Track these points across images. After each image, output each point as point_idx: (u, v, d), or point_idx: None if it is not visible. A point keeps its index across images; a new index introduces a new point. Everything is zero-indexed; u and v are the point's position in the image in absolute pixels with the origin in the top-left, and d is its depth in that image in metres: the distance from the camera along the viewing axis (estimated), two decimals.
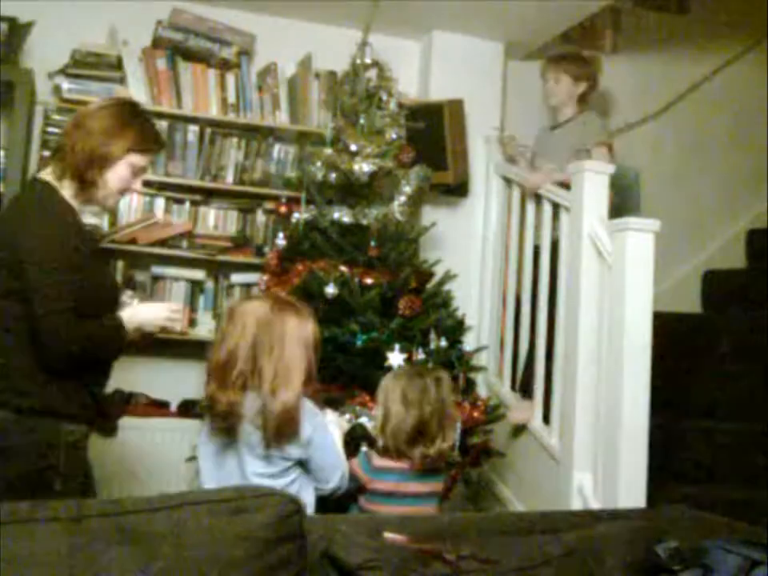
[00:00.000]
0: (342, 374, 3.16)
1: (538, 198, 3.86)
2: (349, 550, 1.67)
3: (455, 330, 3.45)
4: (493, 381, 4.03)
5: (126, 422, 3.84)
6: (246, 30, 4.16)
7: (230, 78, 4.11)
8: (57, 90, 3.89)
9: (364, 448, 2.77)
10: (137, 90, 3.94)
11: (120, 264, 3.94)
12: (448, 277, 3.58)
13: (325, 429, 2.48)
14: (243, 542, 1.56)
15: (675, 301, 4.60)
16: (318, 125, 4.13)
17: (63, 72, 3.88)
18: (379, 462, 2.67)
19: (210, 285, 4.11)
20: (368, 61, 3.60)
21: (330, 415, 2.69)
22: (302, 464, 2.42)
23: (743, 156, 5.10)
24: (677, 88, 5.04)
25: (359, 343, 3.17)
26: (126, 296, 2.74)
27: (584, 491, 3.19)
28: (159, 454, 3.77)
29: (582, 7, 4.07)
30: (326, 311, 3.18)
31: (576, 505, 3.20)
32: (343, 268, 3.29)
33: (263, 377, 2.36)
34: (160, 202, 4.04)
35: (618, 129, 4.88)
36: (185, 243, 4.02)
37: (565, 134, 3.94)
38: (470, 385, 3.46)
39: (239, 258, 4.10)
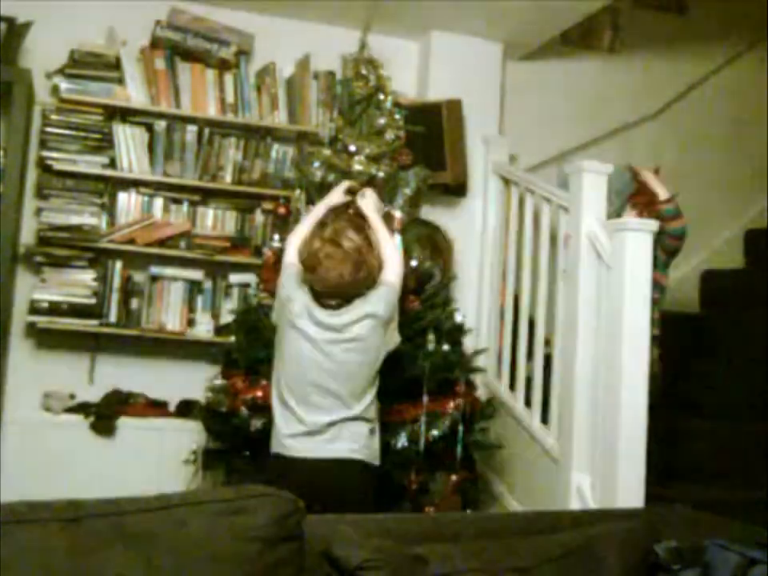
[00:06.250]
0: None
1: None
2: (348, 550, 1.67)
3: (455, 331, 3.45)
4: (492, 382, 4.03)
5: (124, 422, 3.84)
6: (245, 29, 4.16)
7: (229, 78, 4.11)
8: (55, 89, 3.89)
9: None
10: (135, 90, 3.94)
11: (118, 264, 3.94)
12: (447, 277, 3.58)
13: None
14: (243, 542, 1.56)
15: (674, 301, 4.59)
16: (317, 125, 4.12)
17: (62, 72, 3.88)
18: None
19: (208, 285, 4.10)
20: (366, 60, 3.59)
21: None
22: None
23: (742, 156, 5.11)
24: (676, 88, 5.05)
25: None
26: None
27: (583, 492, 3.18)
28: (157, 454, 3.77)
29: (581, 7, 4.07)
30: None
31: (575, 505, 3.20)
32: None
33: None
34: (158, 202, 4.04)
35: (616, 129, 4.89)
36: (183, 243, 4.02)
37: None
38: (470, 386, 3.46)
39: (237, 258, 4.09)
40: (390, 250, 2.90)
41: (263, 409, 3.11)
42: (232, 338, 3.49)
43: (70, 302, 3.83)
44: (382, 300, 2.78)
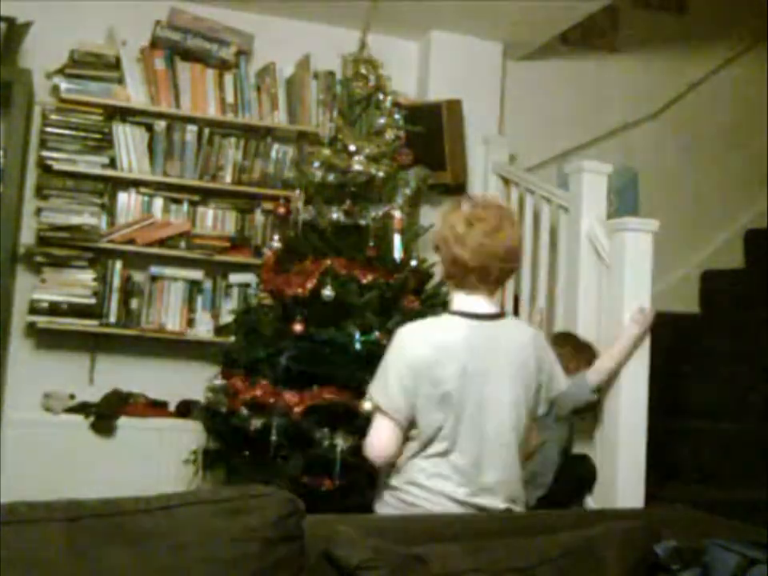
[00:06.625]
0: (338, 377, 3.14)
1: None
2: (348, 550, 1.67)
3: None
4: None
5: (125, 422, 3.84)
6: (245, 30, 4.16)
7: (229, 78, 4.11)
8: (55, 90, 3.89)
9: None
10: (135, 90, 3.94)
11: (118, 264, 3.94)
12: None
13: None
14: (243, 542, 1.56)
15: (674, 301, 4.59)
16: (317, 125, 4.13)
17: (61, 72, 3.88)
18: None
19: (208, 285, 4.10)
20: (366, 60, 3.59)
21: None
22: None
23: (742, 156, 5.11)
24: (676, 88, 5.04)
25: (357, 346, 3.15)
26: None
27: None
28: (157, 454, 3.77)
29: (581, 7, 4.07)
30: (324, 313, 3.17)
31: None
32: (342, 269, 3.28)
33: None
34: (158, 202, 4.04)
35: (616, 129, 4.89)
36: (183, 243, 4.02)
37: None
38: None
39: (237, 258, 4.10)
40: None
41: (263, 408, 3.11)
42: (232, 338, 3.48)
43: (69, 301, 3.83)
44: None
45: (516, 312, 3.94)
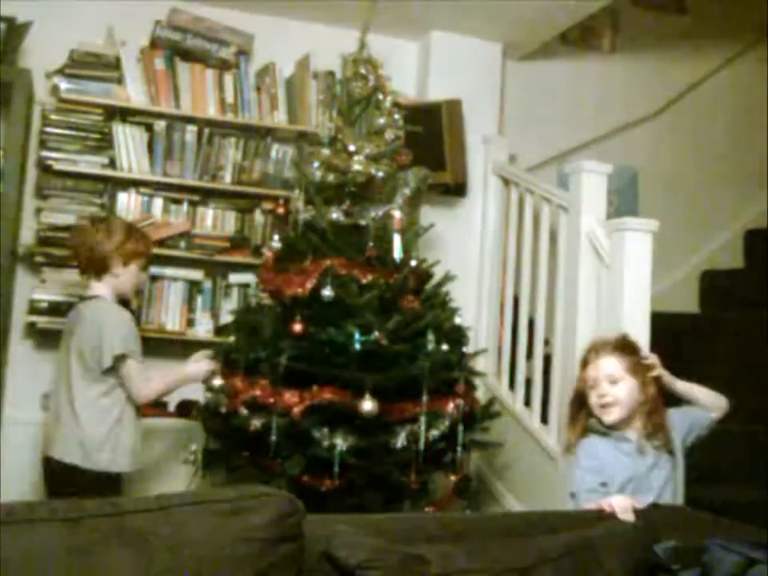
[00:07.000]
0: (338, 378, 3.14)
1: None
2: (348, 550, 1.67)
3: (456, 332, 3.44)
4: (492, 382, 4.03)
5: None
6: (245, 30, 4.16)
7: (228, 78, 4.11)
8: (55, 89, 3.89)
9: None
10: (135, 90, 3.94)
11: None
12: (447, 278, 3.58)
13: None
14: (243, 542, 1.56)
15: (673, 301, 4.60)
16: (317, 125, 4.13)
17: (61, 72, 3.87)
18: None
19: (208, 285, 4.10)
20: (366, 60, 3.59)
21: None
22: None
23: (742, 156, 5.11)
24: (676, 88, 5.05)
25: (357, 346, 3.15)
26: None
27: None
28: (157, 454, 3.77)
29: (580, 7, 4.07)
30: (323, 313, 3.17)
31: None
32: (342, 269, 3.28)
33: None
34: (158, 202, 4.03)
35: (616, 129, 4.89)
36: (183, 243, 4.02)
37: None
38: (470, 387, 3.45)
39: (237, 258, 4.09)
40: None
41: (263, 408, 3.11)
42: (231, 338, 3.48)
43: (70, 302, 3.82)
44: None
45: (516, 311, 3.94)
